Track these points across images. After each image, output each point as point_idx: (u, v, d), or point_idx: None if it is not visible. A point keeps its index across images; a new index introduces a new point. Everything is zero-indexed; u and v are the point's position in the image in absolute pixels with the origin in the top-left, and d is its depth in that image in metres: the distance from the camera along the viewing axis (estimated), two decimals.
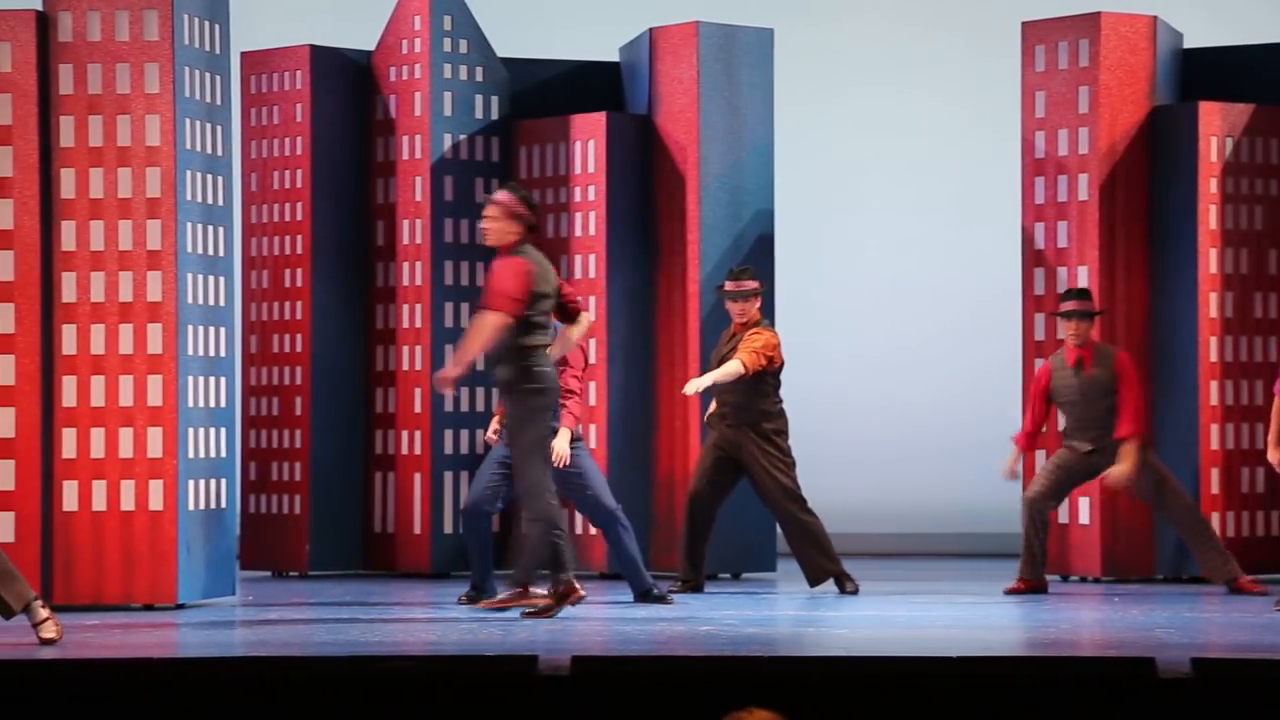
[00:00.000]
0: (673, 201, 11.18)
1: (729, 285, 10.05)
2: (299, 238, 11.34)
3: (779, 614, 9.26)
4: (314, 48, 11.35)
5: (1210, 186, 10.80)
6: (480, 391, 11.37)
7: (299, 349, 11.30)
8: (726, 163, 11.14)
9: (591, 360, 10.31)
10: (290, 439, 11.31)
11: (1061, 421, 10.09)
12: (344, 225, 11.41)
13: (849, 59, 13.21)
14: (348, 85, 11.42)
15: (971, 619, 9.03)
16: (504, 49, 11.52)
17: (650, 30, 11.33)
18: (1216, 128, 10.83)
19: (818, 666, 7.33)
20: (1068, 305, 10.00)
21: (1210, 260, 10.80)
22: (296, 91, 11.35)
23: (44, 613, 7.82)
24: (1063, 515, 10.83)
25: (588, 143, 11.22)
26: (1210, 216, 10.80)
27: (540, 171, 11.40)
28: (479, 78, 11.40)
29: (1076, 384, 9.93)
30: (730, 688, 6.99)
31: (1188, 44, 11.30)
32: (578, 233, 11.26)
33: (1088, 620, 9.09)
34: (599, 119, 11.20)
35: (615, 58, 11.76)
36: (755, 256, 11.13)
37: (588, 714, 6.95)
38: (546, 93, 11.56)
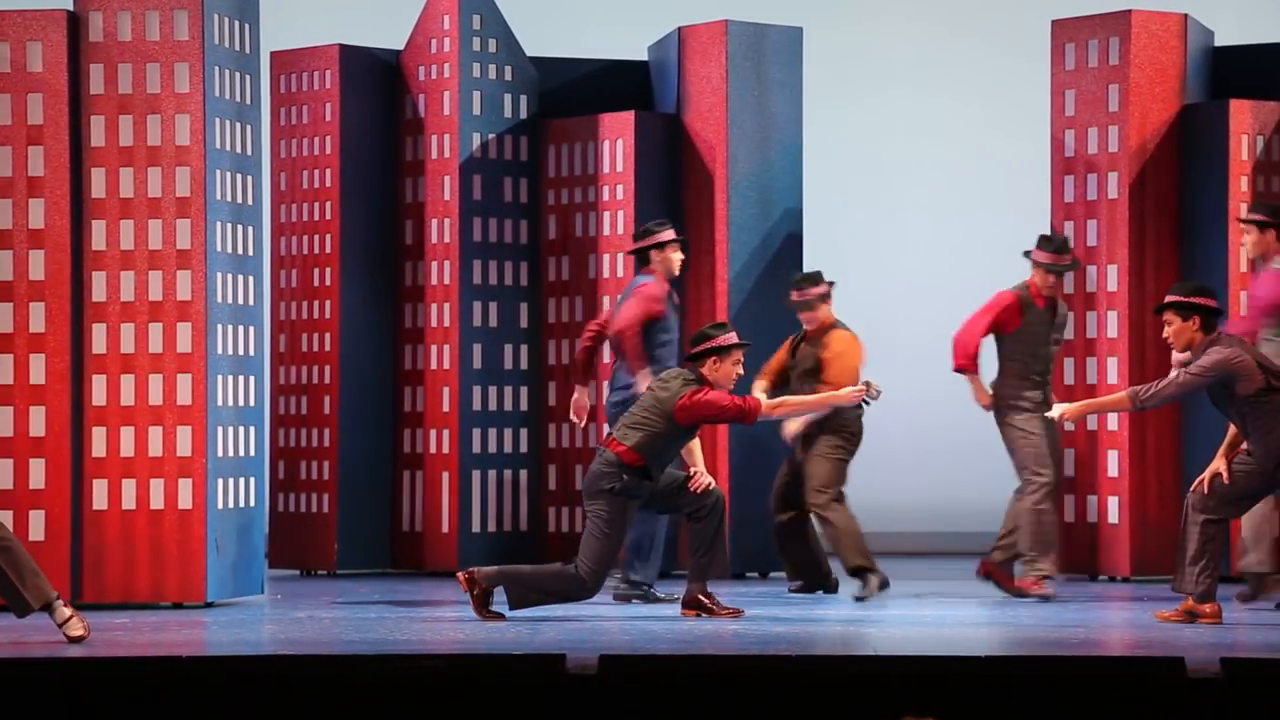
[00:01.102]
0: (701, 200, 11.17)
1: (794, 295, 9.95)
2: (328, 237, 11.36)
3: (807, 613, 9.24)
4: (343, 47, 11.37)
5: (1241, 185, 10.76)
6: (508, 390, 11.38)
7: (328, 348, 11.32)
8: (755, 162, 11.13)
9: None
10: (319, 438, 11.33)
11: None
12: (372, 224, 11.42)
13: (878, 58, 13.19)
14: (376, 84, 11.43)
15: (1001, 619, 9.00)
16: (533, 48, 11.53)
17: (679, 29, 11.32)
18: (1247, 126, 10.79)
19: (846, 666, 7.32)
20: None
21: (1241, 258, 10.76)
22: (325, 91, 11.37)
23: (67, 611, 7.84)
24: (1091, 514, 10.80)
25: (616, 142, 11.22)
26: (1241, 215, 10.74)
27: (569, 170, 11.41)
28: (508, 77, 11.41)
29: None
30: (758, 687, 6.99)
31: (1218, 42, 11.26)
32: (606, 232, 11.25)
33: (1117, 620, 9.06)
34: (628, 118, 11.20)
35: (644, 57, 11.76)
36: (784, 256, 11.12)
37: (616, 713, 6.95)
38: (575, 92, 11.56)
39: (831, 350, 9.81)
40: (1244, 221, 9.53)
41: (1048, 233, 10.06)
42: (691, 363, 8.92)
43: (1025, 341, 9.82)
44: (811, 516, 9.89)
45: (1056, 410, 8.95)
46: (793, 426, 9.72)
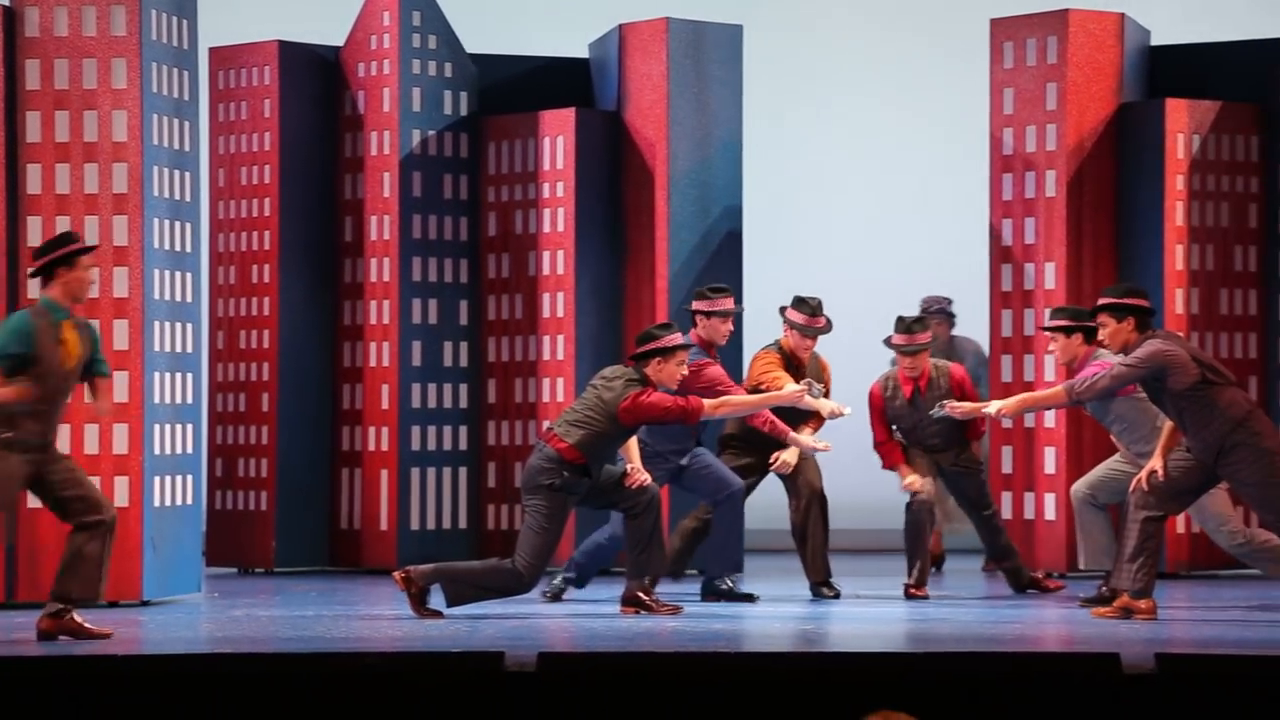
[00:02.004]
0: (641, 198, 11.17)
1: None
2: (266, 233, 11.31)
3: (745, 610, 9.26)
4: (282, 43, 11.32)
5: (1177, 183, 10.83)
6: (448, 388, 11.36)
7: (266, 345, 11.28)
8: (695, 159, 11.14)
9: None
10: (257, 435, 11.29)
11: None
12: (312, 221, 11.38)
13: (817, 56, 13.22)
14: (316, 81, 11.39)
15: (937, 615, 9.04)
16: (473, 45, 11.51)
17: (620, 26, 11.32)
18: (1183, 125, 10.86)
19: (783, 662, 7.34)
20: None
21: (1177, 257, 10.84)
22: (264, 87, 11.32)
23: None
24: (1028, 511, 10.86)
25: (557, 139, 11.21)
26: (1177, 213, 10.83)
27: (509, 168, 11.39)
28: (448, 73, 11.38)
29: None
30: (696, 684, 6.99)
31: (1155, 41, 11.33)
32: (546, 229, 11.25)
33: (1053, 616, 9.11)
34: (568, 115, 11.19)
35: (585, 54, 11.75)
36: (724, 253, 11.14)
37: (555, 710, 6.94)
38: (515, 89, 11.55)
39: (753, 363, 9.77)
40: (1047, 329, 9.42)
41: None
42: (635, 362, 8.92)
43: (904, 424, 9.80)
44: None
45: (993, 407, 9.00)
46: (790, 458, 9.63)
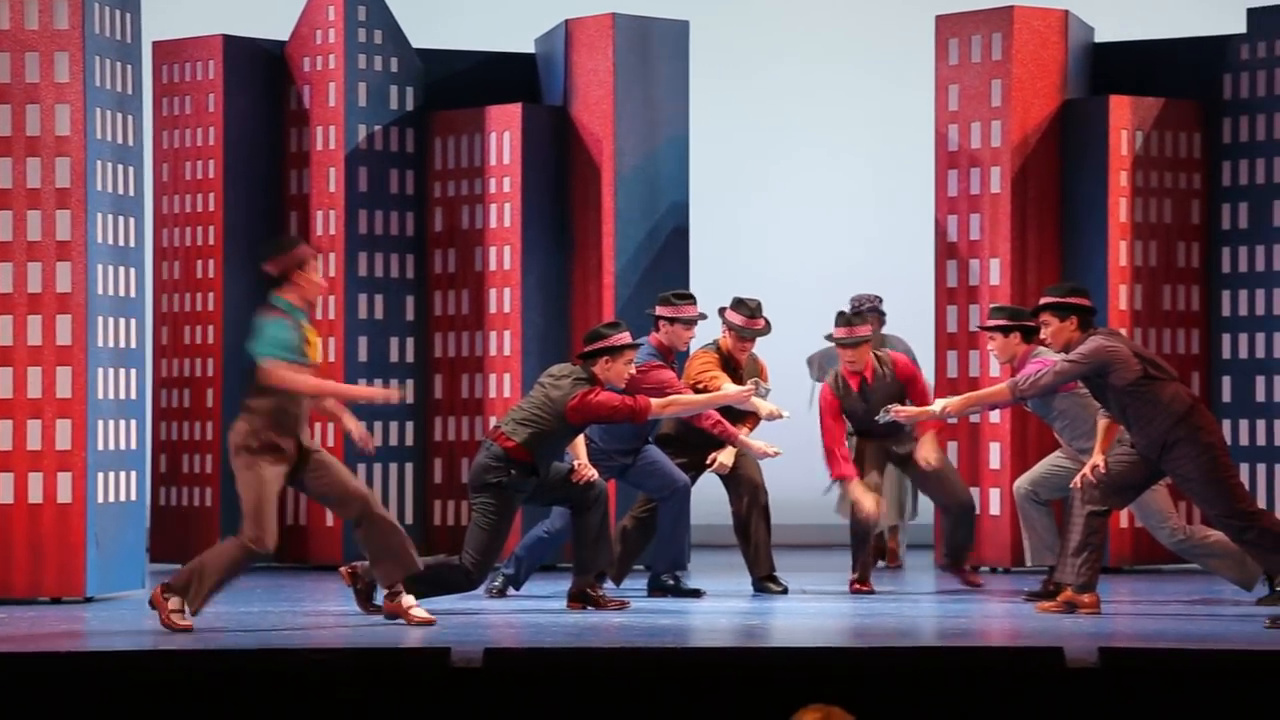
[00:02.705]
0: (588, 193, 11.17)
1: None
2: (211, 229, 11.26)
3: (692, 605, 9.27)
4: (227, 37, 11.27)
5: (1120, 180, 10.90)
6: (394, 383, 11.32)
7: (210, 341, 11.23)
8: (642, 155, 11.15)
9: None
10: (201, 431, 11.24)
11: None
12: (257, 216, 11.34)
13: (764, 52, 13.24)
14: (261, 75, 11.35)
15: (884, 610, 9.07)
16: (418, 40, 11.48)
17: (566, 22, 11.31)
18: (1127, 121, 10.92)
19: (730, 657, 7.35)
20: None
21: (1120, 253, 10.90)
22: (209, 81, 11.27)
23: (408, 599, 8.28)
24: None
25: (503, 134, 11.20)
26: (1120, 209, 10.89)
27: (455, 163, 11.37)
28: (393, 69, 11.35)
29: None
30: (643, 679, 7.00)
31: (1099, 38, 11.39)
32: (493, 224, 11.23)
33: (998, 611, 9.15)
34: (514, 110, 11.18)
35: (531, 49, 11.74)
36: (670, 248, 11.14)
37: (501, 706, 6.94)
38: (461, 84, 11.53)
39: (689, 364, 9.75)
40: (985, 329, 9.46)
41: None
42: (583, 361, 8.93)
43: (856, 417, 9.80)
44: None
45: (939, 405, 9.03)
46: (727, 459, 9.63)
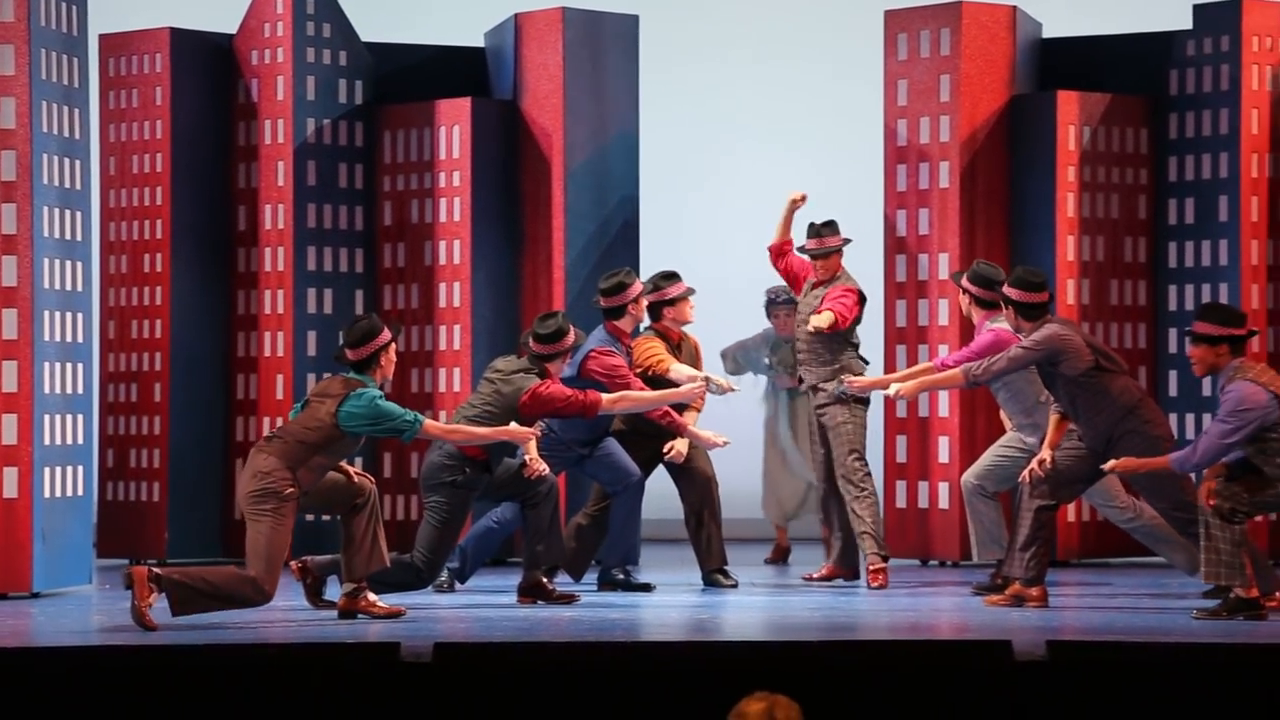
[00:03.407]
0: (538, 188, 11.16)
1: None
2: (158, 222, 11.20)
3: (642, 599, 9.27)
4: (174, 30, 11.22)
5: (1068, 175, 10.94)
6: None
7: (158, 335, 11.18)
8: (592, 149, 11.14)
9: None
10: (149, 425, 11.18)
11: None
12: (205, 210, 11.29)
13: (714, 46, 13.25)
14: (208, 69, 11.29)
15: (833, 604, 9.09)
16: (367, 34, 11.44)
17: (516, 16, 11.29)
18: (1074, 116, 10.97)
19: (680, 651, 7.36)
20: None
21: (1068, 247, 10.95)
22: (156, 74, 11.21)
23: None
24: (922, 500, 10.94)
25: (453, 128, 11.18)
26: (1068, 204, 10.94)
27: (404, 157, 11.34)
28: (342, 62, 11.31)
29: None
30: (593, 673, 7.00)
31: (1046, 33, 11.44)
32: (442, 219, 11.21)
33: (946, 605, 9.19)
34: (464, 104, 11.16)
35: (480, 43, 11.72)
36: (620, 243, 11.14)
37: (451, 701, 6.93)
38: (410, 78, 11.50)
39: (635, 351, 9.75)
40: (959, 283, 9.51)
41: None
42: (538, 360, 8.94)
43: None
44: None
45: (892, 389, 9.06)
46: (683, 446, 9.64)
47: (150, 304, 11.20)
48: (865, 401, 9.68)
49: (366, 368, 8.43)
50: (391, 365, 8.54)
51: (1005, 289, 8.91)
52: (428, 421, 8.47)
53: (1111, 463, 8.54)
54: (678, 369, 9.50)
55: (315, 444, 8.20)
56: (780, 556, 11.15)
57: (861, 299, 9.78)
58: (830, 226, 9.83)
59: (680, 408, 9.50)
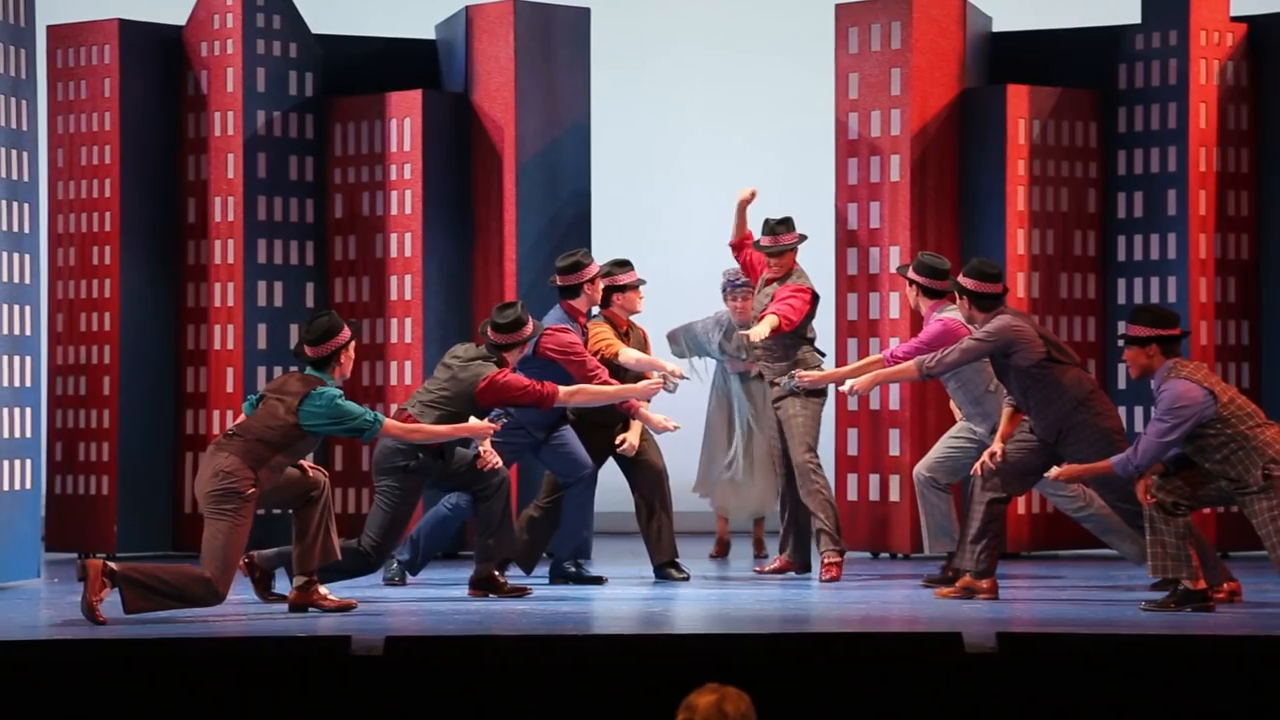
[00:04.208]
0: (489, 180, 11.15)
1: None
2: (107, 215, 11.15)
3: (594, 592, 9.28)
4: (122, 22, 11.16)
5: (1018, 168, 10.99)
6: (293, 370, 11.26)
7: (107, 328, 11.12)
8: (543, 141, 11.13)
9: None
10: (98, 419, 11.13)
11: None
12: (154, 202, 11.23)
13: (665, 40, 13.25)
14: (158, 60, 11.24)
15: (784, 597, 9.11)
16: (318, 25, 11.40)
17: (467, 8, 11.27)
18: (1024, 110, 11.01)
19: (632, 644, 7.36)
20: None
21: (1018, 241, 10.99)
22: (105, 66, 11.15)
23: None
24: (873, 493, 10.97)
25: (404, 120, 11.15)
26: (1018, 198, 10.98)
27: (355, 149, 11.31)
28: (292, 54, 11.27)
29: None
30: (545, 667, 7.00)
31: (997, 27, 11.48)
32: (394, 211, 11.18)
33: (897, 597, 9.21)
34: (415, 97, 11.13)
35: (432, 35, 11.69)
36: (572, 236, 11.14)
37: (403, 694, 6.91)
38: (362, 70, 11.46)
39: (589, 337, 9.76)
40: (906, 277, 9.53)
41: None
42: (496, 349, 8.94)
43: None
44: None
45: (847, 385, 9.08)
46: (634, 439, 9.65)
47: (99, 297, 11.15)
48: (821, 393, 9.70)
49: (325, 365, 8.39)
50: (350, 363, 8.50)
51: (961, 279, 8.93)
52: (388, 421, 8.45)
53: (1055, 470, 8.58)
54: (626, 353, 9.53)
55: (276, 443, 8.17)
56: (723, 551, 11.12)
57: (814, 297, 9.79)
58: (785, 224, 9.83)
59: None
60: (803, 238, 9.85)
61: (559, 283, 9.60)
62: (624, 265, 9.82)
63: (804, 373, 9.25)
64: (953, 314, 9.16)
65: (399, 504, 8.80)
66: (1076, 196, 11.16)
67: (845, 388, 9.06)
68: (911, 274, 9.42)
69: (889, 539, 10.94)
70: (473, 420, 8.77)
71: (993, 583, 8.78)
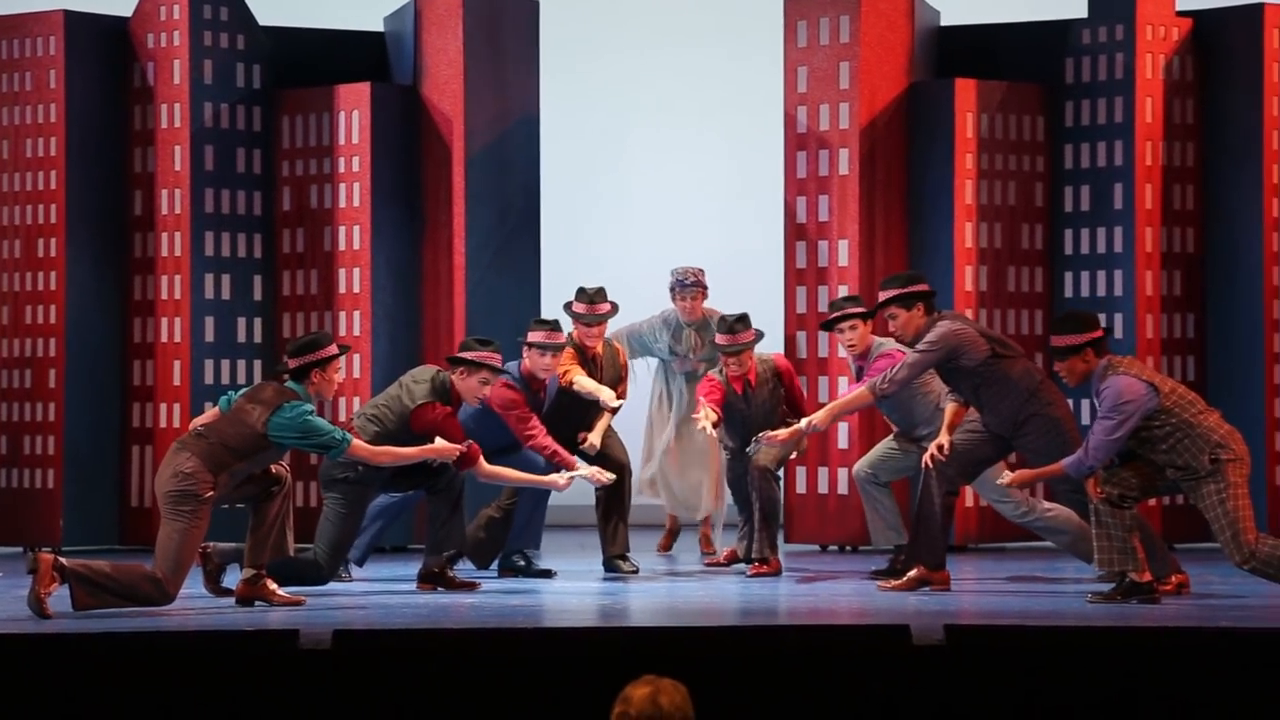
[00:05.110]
0: (438, 173, 11.12)
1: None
2: (53, 207, 11.08)
3: (544, 586, 9.27)
4: (68, 13, 11.09)
5: (966, 162, 11.02)
6: (241, 364, 11.22)
7: (53, 320, 11.06)
8: (492, 135, 11.11)
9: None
10: (43, 412, 11.06)
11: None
12: (100, 195, 11.17)
13: (614, 33, 13.25)
14: (103, 52, 11.17)
15: (732, 590, 9.13)
16: (265, 17, 11.36)
17: (415, 0, 11.24)
18: (972, 104, 11.05)
19: (581, 637, 7.37)
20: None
21: (966, 234, 11.03)
22: (50, 57, 11.08)
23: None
24: (822, 486, 11.00)
25: (352, 113, 11.12)
26: (966, 191, 11.02)
27: (304, 142, 11.27)
28: (240, 46, 11.23)
29: None
30: (494, 660, 6.99)
31: (944, 21, 11.51)
32: (342, 204, 11.15)
33: (845, 590, 9.24)
34: (363, 89, 11.10)
35: (380, 27, 11.66)
36: (521, 230, 11.13)
37: (351, 688, 6.90)
38: (310, 62, 11.42)
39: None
40: (842, 320, 9.39)
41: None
42: (450, 366, 8.94)
43: (737, 419, 9.71)
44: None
45: (804, 422, 9.07)
46: (595, 439, 9.60)
47: (45, 289, 11.08)
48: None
49: (299, 378, 8.34)
50: (329, 386, 8.39)
51: (880, 294, 8.94)
52: (356, 441, 8.41)
53: (1008, 476, 8.62)
54: (580, 382, 9.52)
55: (240, 450, 8.13)
56: (670, 542, 11.12)
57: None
58: (743, 321, 9.68)
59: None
60: (760, 335, 9.72)
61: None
62: (581, 294, 9.66)
63: (769, 434, 9.21)
64: (892, 347, 9.20)
65: (346, 516, 8.81)
66: (1024, 190, 11.21)
67: (804, 425, 9.06)
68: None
69: (836, 532, 10.97)
70: (439, 441, 8.75)
71: (945, 575, 8.82)
